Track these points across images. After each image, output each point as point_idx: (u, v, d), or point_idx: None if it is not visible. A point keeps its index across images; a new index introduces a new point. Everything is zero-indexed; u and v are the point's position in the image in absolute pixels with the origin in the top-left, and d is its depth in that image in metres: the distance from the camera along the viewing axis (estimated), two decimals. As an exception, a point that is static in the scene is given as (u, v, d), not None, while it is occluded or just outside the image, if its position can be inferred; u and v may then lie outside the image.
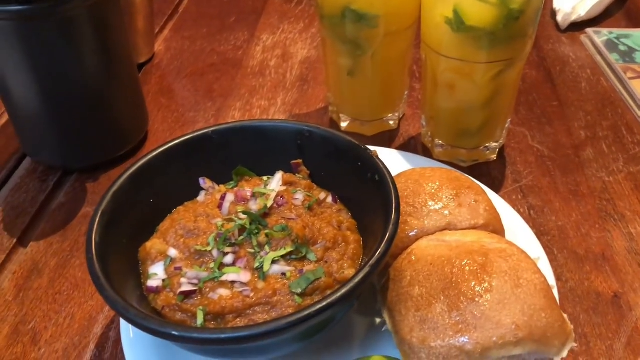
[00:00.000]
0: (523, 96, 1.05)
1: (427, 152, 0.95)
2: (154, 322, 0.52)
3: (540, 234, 0.80)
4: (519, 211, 0.83)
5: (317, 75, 1.14)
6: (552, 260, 0.77)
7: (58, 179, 0.93)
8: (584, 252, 0.78)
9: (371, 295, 0.67)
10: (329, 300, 0.53)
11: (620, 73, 1.07)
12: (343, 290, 0.53)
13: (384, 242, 0.57)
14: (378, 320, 0.67)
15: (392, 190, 0.62)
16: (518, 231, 0.73)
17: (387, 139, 0.98)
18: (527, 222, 0.82)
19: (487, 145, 0.91)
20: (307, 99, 1.08)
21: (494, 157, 0.92)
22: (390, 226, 0.58)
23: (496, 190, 0.87)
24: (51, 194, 0.91)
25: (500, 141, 0.92)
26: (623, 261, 0.77)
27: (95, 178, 0.93)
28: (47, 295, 0.76)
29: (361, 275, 0.55)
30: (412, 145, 0.97)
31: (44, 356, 0.69)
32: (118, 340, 0.70)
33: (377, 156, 0.67)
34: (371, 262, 0.55)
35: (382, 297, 0.63)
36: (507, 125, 0.91)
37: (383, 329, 0.63)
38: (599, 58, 1.14)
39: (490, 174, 0.90)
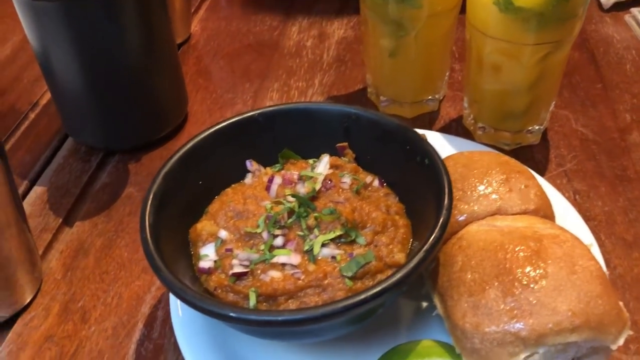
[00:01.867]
0: (566, 78, 1.03)
1: (468, 135, 0.93)
2: (212, 304, 0.53)
3: (586, 219, 0.79)
4: (564, 195, 0.82)
5: (354, 56, 1.13)
6: (600, 246, 0.75)
7: (100, 160, 0.94)
8: (632, 239, 0.77)
9: (418, 279, 0.67)
10: (384, 285, 0.53)
11: (667, 54, 1.05)
12: (398, 275, 0.53)
13: (438, 227, 0.57)
14: (425, 304, 0.67)
15: (444, 175, 0.61)
16: (567, 217, 0.72)
17: (427, 122, 0.98)
18: (573, 207, 0.81)
19: (530, 128, 0.89)
20: (344, 80, 1.08)
21: (537, 140, 0.91)
22: (444, 211, 0.58)
23: (540, 174, 0.85)
24: (94, 174, 0.92)
25: (544, 124, 0.90)
26: (673, 247, 0.75)
27: (137, 159, 0.94)
28: (94, 275, 0.77)
29: (415, 260, 0.54)
30: (453, 128, 0.96)
31: (94, 334, 0.71)
32: (166, 320, 0.71)
33: (426, 139, 0.66)
34: (425, 247, 0.55)
35: (432, 282, 0.63)
36: (551, 108, 0.89)
37: (434, 314, 0.63)
38: (644, 39, 1.11)
39: (534, 157, 0.89)
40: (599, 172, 0.86)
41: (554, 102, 0.90)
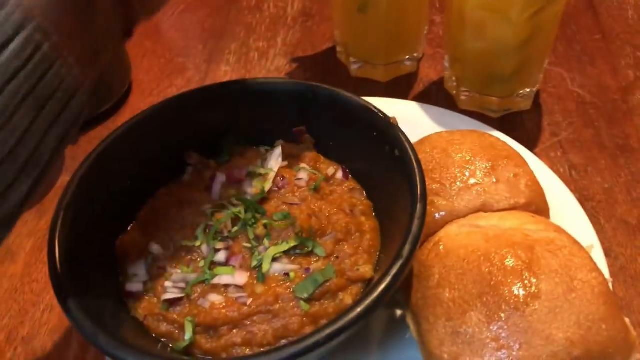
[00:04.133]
0: (560, 29, 0.90)
1: (450, 100, 0.82)
2: (125, 353, 0.43)
3: (583, 200, 0.69)
4: (558, 172, 0.72)
5: (322, 8, 0.99)
6: (599, 231, 0.66)
7: (31, 143, 0.82)
8: (636, 221, 0.67)
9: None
10: (348, 319, 0.43)
11: (674, -2, 0.92)
12: (359, 309, 0.43)
13: (408, 242, 0.47)
14: (399, 312, 0.58)
15: (416, 172, 0.51)
16: (564, 206, 0.62)
17: (404, 86, 0.86)
18: (568, 185, 0.71)
19: (521, 92, 0.78)
20: (311, 37, 0.95)
21: (528, 105, 0.80)
22: (415, 221, 0.48)
23: (532, 146, 0.75)
24: (24, 160, 0.80)
25: (536, 87, 0.79)
26: (682, 231, 0.66)
27: (74, 141, 0.82)
28: (23, 284, 0.67)
29: (384, 284, 0.45)
30: (434, 93, 0.84)
31: (20, 356, 0.61)
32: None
33: (397, 124, 0.55)
34: (393, 271, 0.45)
35: (404, 297, 0.53)
36: (543, 69, 0.78)
37: (407, 336, 0.54)
38: (648, -21, 0.98)
39: (525, 125, 0.78)
40: (598, 142, 0.76)
41: (547, 60, 0.78)
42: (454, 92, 0.82)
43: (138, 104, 0.86)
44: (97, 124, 0.84)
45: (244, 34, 0.96)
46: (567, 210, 0.61)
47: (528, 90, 0.78)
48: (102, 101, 0.84)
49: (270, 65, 0.91)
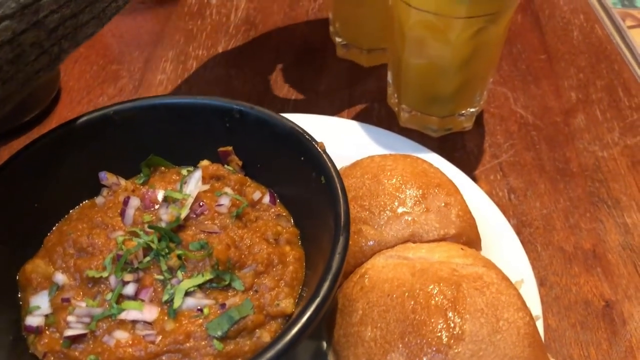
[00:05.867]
0: (506, 47, 0.90)
1: (392, 117, 0.80)
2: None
3: (521, 226, 0.68)
4: (497, 195, 0.71)
5: (266, 18, 0.96)
6: (535, 259, 0.65)
7: (-55, 152, 0.77)
8: (572, 249, 0.66)
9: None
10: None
11: (617, 20, 0.92)
12: (276, 349, 0.40)
13: (327, 279, 0.44)
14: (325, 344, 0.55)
15: (341, 202, 0.48)
16: (498, 235, 0.60)
17: (345, 101, 0.83)
18: (507, 209, 0.69)
19: (462, 112, 0.76)
20: (253, 47, 0.91)
21: (470, 125, 0.78)
22: (335, 256, 0.45)
23: (472, 168, 0.74)
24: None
25: (479, 107, 0.77)
26: (617, 260, 0.65)
27: (-7, 151, 0.77)
28: None
29: (297, 327, 0.42)
30: (376, 109, 0.82)
31: None
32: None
33: (324, 150, 0.52)
34: (310, 309, 0.42)
35: (327, 333, 0.51)
36: (486, 89, 0.76)
37: (326, 372, 0.51)
38: (594, 0, 0.98)
39: (465, 146, 0.77)
40: (538, 165, 0.74)
41: (491, 80, 0.76)
42: (396, 108, 0.80)
43: (66, 113, 0.81)
44: (20, 133, 0.79)
45: (183, 41, 0.93)
46: (501, 240, 0.59)
47: (470, 110, 0.77)
48: (27, 110, 0.79)
49: (209, 74, 0.87)
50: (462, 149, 0.76)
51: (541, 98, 0.83)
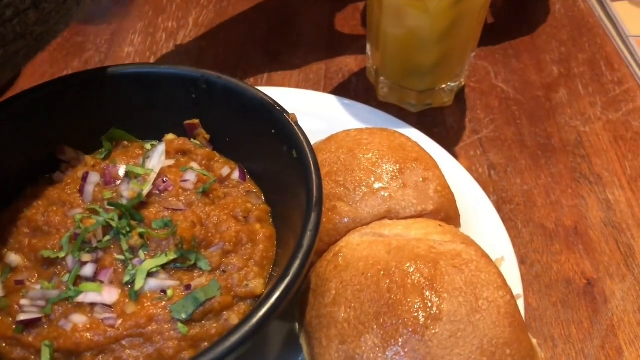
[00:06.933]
0: (487, 20, 0.87)
1: (370, 93, 0.77)
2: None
3: (501, 202, 0.66)
4: (477, 172, 0.69)
5: (239, -12, 0.92)
6: (516, 236, 0.63)
7: None
8: (554, 226, 0.64)
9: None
10: (226, 346, 0.37)
11: (601, -8, 0.90)
12: (243, 331, 0.38)
13: (297, 257, 0.41)
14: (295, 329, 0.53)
15: (313, 177, 0.45)
16: (478, 212, 0.58)
17: (325, 76, 0.80)
18: (487, 186, 0.67)
19: (442, 86, 0.74)
20: (226, 18, 0.88)
21: (450, 100, 0.76)
22: (307, 233, 0.42)
23: (451, 144, 0.71)
24: None
25: (459, 82, 0.75)
26: (598, 237, 0.63)
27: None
28: None
29: (265, 308, 0.39)
30: (354, 84, 0.79)
31: None
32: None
33: (296, 122, 0.49)
34: (279, 289, 0.40)
35: (299, 314, 0.48)
36: (467, 63, 0.74)
37: (300, 358, 0.48)
38: (576, -28, 0.96)
39: (445, 122, 0.74)
40: (519, 141, 0.72)
41: (473, 54, 0.74)
42: (374, 82, 0.77)
43: (27, 86, 0.77)
44: (-23, 108, 0.74)
45: (152, 12, 0.89)
46: (481, 217, 0.57)
47: (450, 84, 0.74)
48: (-15, 83, 0.75)
49: (179, 47, 0.83)
50: (442, 125, 0.74)
51: (522, 72, 0.81)
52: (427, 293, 0.43)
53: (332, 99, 0.69)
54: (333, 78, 0.80)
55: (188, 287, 0.45)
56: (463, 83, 0.77)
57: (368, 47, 0.76)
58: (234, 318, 0.45)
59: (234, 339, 0.38)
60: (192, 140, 0.54)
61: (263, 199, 0.52)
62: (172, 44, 0.84)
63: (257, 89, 0.51)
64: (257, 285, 0.46)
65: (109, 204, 0.47)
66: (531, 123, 0.74)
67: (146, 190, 0.48)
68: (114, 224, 0.46)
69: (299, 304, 0.48)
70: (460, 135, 0.73)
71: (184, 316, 0.43)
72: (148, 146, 0.53)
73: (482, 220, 0.57)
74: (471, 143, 0.72)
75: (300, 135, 0.48)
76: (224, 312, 0.45)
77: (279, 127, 0.49)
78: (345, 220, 0.51)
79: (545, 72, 0.81)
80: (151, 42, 0.84)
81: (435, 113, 0.75)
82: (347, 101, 0.69)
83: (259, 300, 0.44)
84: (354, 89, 0.78)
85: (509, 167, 0.70)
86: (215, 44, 0.83)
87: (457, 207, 0.53)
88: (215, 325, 0.44)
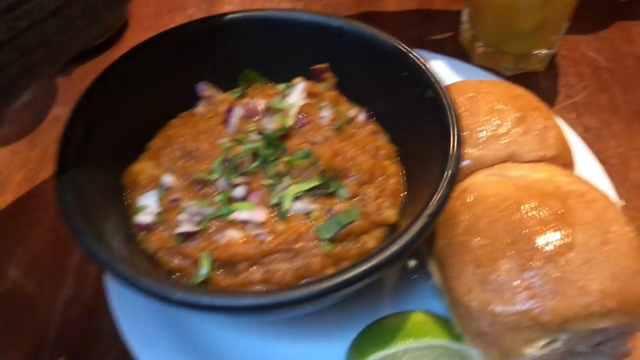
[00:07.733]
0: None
1: (463, 57, 0.79)
2: (147, 281, 0.40)
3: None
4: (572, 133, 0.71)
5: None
6: (612, 194, 0.65)
7: (21, 72, 0.77)
8: (649, 187, 0.67)
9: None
10: (376, 261, 0.41)
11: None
12: (394, 248, 0.41)
13: (444, 183, 0.44)
14: (413, 263, 0.56)
15: (451, 114, 0.48)
16: (584, 165, 0.60)
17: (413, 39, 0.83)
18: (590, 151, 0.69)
19: (537, 52, 0.76)
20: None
21: (542, 67, 0.78)
22: (451, 162, 0.45)
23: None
24: (13, 89, 0.75)
25: (554, 48, 0.77)
26: (693, 198, 0.65)
27: (67, 72, 0.77)
28: (12, 217, 0.63)
29: (416, 228, 0.42)
30: (447, 48, 0.81)
31: (9, 295, 0.58)
32: (100, 276, 0.58)
33: (430, 65, 0.52)
34: (429, 210, 0.43)
35: (426, 245, 0.51)
36: (563, 30, 0.76)
37: (429, 283, 0.52)
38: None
39: (539, 86, 0.77)
40: (612, 106, 0.74)
41: (567, 24, 0.76)
42: (468, 46, 0.79)
43: (135, 38, 0.81)
44: (91, 57, 0.79)
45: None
46: (588, 169, 0.60)
47: (545, 51, 0.76)
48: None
49: (277, 6, 0.86)
50: (535, 88, 0.75)
51: (612, 43, 0.82)
52: (560, 224, 0.46)
53: (430, 56, 0.72)
54: (424, 44, 0.82)
55: (329, 211, 0.48)
56: (555, 51, 0.79)
57: (465, 12, 0.79)
58: (370, 241, 0.48)
59: (377, 260, 0.41)
60: (319, 83, 0.57)
61: (388, 138, 0.55)
62: (270, 3, 0.87)
63: (393, 38, 0.54)
64: (391, 214, 0.49)
65: (258, 133, 0.51)
66: (624, 91, 0.76)
67: (289, 122, 0.51)
68: (260, 152, 0.50)
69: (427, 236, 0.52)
70: (555, 99, 0.75)
71: (328, 236, 0.47)
72: (281, 87, 0.57)
73: (589, 173, 0.59)
74: (565, 107, 0.74)
75: (434, 76, 0.51)
76: (362, 236, 0.48)
77: (412, 69, 0.52)
78: (469, 162, 0.53)
79: (635, 44, 0.82)
80: (250, 3, 0.87)
81: (529, 77, 0.77)
82: (447, 58, 0.71)
83: (400, 227, 0.47)
84: (447, 53, 0.80)
85: (603, 130, 0.72)
86: (312, 2, 0.86)
87: (572, 156, 0.56)
88: (354, 247, 0.47)
